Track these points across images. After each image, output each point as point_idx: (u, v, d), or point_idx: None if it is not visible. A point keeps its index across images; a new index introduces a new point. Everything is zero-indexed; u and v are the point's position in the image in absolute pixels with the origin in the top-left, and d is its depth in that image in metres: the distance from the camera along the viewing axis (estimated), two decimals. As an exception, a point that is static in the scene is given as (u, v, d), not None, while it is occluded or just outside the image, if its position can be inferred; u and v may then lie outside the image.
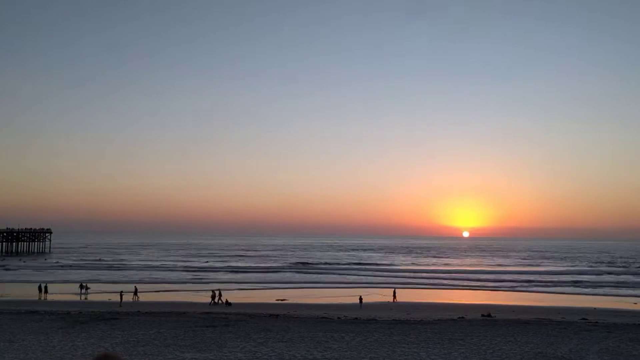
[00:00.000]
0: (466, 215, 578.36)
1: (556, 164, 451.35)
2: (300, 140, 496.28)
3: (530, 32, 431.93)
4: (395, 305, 42.94)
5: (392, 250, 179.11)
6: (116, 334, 23.98)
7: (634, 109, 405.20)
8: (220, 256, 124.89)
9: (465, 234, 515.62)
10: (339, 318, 31.52)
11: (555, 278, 75.67)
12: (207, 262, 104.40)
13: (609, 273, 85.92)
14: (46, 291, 46.83)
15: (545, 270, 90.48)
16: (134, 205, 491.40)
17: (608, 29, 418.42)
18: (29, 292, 48.78)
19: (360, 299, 43.56)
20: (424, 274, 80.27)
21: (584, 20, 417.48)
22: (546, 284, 67.71)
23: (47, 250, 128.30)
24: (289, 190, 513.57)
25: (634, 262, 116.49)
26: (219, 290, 44.26)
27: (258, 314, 32.64)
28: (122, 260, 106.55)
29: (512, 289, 60.89)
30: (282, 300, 46.18)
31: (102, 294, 49.66)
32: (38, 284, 48.85)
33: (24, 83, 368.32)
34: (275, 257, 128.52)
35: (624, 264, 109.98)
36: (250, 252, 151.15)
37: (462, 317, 32.78)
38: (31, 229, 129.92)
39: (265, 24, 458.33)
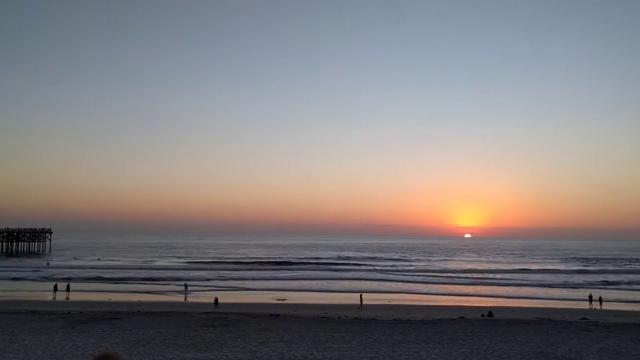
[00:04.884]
0: (468, 217, 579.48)
1: (555, 166, 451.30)
2: (299, 142, 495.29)
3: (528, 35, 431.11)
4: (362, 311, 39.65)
5: (395, 250, 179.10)
6: (116, 333, 23.96)
7: (631, 109, 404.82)
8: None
9: (467, 236, 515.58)
10: (339, 318, 31.52)
11: (555, 278, 75.67)
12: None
13: (610, 273, 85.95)
14: (68, 289, 45.87)
15: (544, 270, 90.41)
16: (133, 205, 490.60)
17: (607, 27, 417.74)
18: (29, 291, 48.77)
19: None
20: (424, 273, 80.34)
21: (581, 20, 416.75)
22: (546, 283, 67.69)
23: (47, 250, 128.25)
24: (285, 192, 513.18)
25: (632, 262, 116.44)
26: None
27: (258, 314, 32.63)
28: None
29: (512, 289, 60.83)
30: (282, 300, 46.21)
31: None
32: (54, 283, 48.18)
33: (19, 82, 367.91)
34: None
35: (624, 264, 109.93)
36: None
37: (463, 317, 32.78)
38: (31, 229, 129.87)
39: (251, 21, 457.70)
